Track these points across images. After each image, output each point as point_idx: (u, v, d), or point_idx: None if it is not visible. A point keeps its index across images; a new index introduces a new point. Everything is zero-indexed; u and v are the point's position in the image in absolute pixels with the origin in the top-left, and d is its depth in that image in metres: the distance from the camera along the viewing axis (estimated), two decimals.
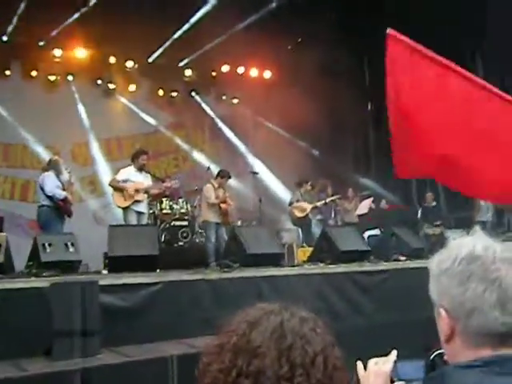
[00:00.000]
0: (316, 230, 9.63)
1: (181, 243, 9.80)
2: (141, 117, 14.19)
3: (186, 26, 12.46)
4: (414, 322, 6.68)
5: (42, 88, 12.97)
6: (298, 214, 9.85)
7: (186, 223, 10.20)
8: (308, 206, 9.89)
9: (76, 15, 11.64)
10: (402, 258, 7.29)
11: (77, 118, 13.24)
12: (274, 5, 12.34)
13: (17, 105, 12.33)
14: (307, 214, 9.83)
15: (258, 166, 13.92)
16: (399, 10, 11.77)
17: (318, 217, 10.42)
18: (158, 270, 5.65)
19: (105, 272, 6.09)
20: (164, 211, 10.10)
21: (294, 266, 6.37)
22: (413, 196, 13.29)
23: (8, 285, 4.70)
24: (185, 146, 14.73)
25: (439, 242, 9.30)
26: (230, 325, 1.25)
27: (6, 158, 12.83)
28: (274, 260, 6.25)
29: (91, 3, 11.43)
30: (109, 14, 11.25)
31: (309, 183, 10.22)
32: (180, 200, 10.55)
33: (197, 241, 10.15)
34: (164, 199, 9.95)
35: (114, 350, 4.02)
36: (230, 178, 9.10)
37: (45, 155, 12.51)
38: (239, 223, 11.04)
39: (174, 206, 10.31)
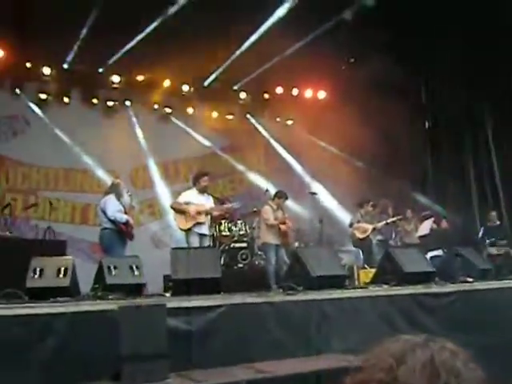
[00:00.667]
0: (376, 251, 9.45)
1: (240, 265, 9.77)
2: (197, 140, 14.34)
3: (240, 50, 12.53)
4: (485, 346, 6.44)
5: (101, 114, 13.28)
6: (360, 235, 9.69)
7: (245, 245, 10.17)
8: (369, 227, 9.72)
9: (133, 42, 11.86)
10: (469, 280, 7.04)
11: (135, 142, 13.49)
12: (326, 26, 12.27)
13: (77, 130, 12.62)
14: (368, 235, 9.67)
15: (314, 186, 13.84)
16: (455, 27, 11.56)
17: (379, 237, 10.20)
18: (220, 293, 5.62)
19: (167, 295, 6.07)
20: (223, 233, 10.10)
21: (357, 288, 6.21)
22: (474, 215, 12.91)
23: (74, 308, 4.71)
24: (240, 168, 14.76)
25: (505, 263, 8.97)
26: (369, 359, 1.10)
27: (67, 182, 13.11)
28: (338, 282, 6.12)
29: (147, 30, 11.62)
30: (164, 40, 11.42)
31: (370, 203, 10.06)
32: (239, 222, 10.55)
33: (256, 263, 10.10)
34: (223, 221, 9.97)
35: (182, 375, 3.97)
36: (287, 198, 9.04)
37: (104, 179, 12.80)
38: (296, 244, 10.95)
39: (233, 228, 10.31)
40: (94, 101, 13.04)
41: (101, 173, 13.01)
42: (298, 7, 11.21)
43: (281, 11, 11.60)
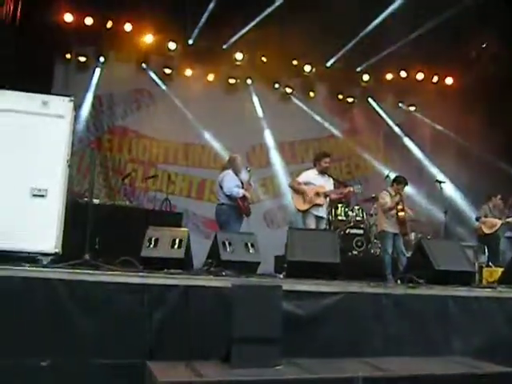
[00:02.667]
0: (504, 249, 8.78)
1: (355, 252, 9.42)
2: (316, 121, 14.12)
3: (366, 31, 12.04)
4: None
5: (222, 90, 13.32)
6: (486, 231, 9.04)
7: (361, 232, 9.80)
8: (498, 222, 9.04)
9: (258, 19, 11.72)
10: None
11: (253, 120, 13.46)
12: (455, 10, 11.47)
13: (198, 106, 12.75)
14: (496, 231, 8.99)
15: (436, 175, 13.20)
16: None
17: (508, 234, 9.45)
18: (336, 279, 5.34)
19: (280, 276, 5.86)
20: (339, 217, 9.79)
21: (485, 288, 5.71)
22: None
23: (187, 281, 4.62)
24: (358, 153, 14.32)
25: None
26: None
27: (186, 157, 13.32)
28: (464, 279, 5.64)
29: (273, 7, 11.41)
30: (289, 19, 11.19)
31: (498, 196, 9.34)
32: (356, 207, 10.20)
33: (371, 251, 9.73)
34: (339, 205, 9.66)
35: (294, 363, 3.74)
36: (406, 184, 8.55)
37: (221, 155, 12.89)
38: (412, 236, 10.44)
39: (350, 213, 9.98)
40: (215, 76, 13.11)
41: (218, 149, 13.10)
42: None
43: None
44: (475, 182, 11.41)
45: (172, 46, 12.37)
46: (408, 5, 10.99)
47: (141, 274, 4.61)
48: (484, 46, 13.19)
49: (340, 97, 14.29)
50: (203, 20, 11.57)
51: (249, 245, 5.25)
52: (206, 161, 13.46)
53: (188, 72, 12.91)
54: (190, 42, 12.45)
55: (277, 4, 11.18)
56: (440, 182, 8.98)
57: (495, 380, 3.78)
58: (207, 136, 13.11)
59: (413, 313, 5.13)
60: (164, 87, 12.89)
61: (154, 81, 12.85)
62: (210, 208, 12.99)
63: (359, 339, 4.89)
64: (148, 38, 12.08)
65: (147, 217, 8.72)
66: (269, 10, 11.17)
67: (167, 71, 12.77)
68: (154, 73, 12.81)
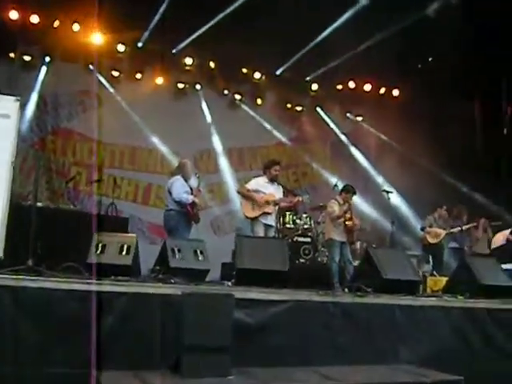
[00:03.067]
0: (447, 259, 8.98)
1: (302, 260, 9.45)
2: (264, 129, 14.12)
3: (316, 41, 12.15)
4: None
5: (171, 95, 13.19)
6: (431, 240, 9.22)
7: (308, 240, 9.84)
8: (442, 232, 9.23)
9: (209, 24, 11.66)
10: None
11: (202, 125, 13.35)
12: (404, 23, 11.71)
13: (145, 110, 12.56)
14: (441, 241, 9.19)
15: (382, 185, 13.44)
16: None
17: (453, 244, 9.67)
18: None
19: (228, 283, 5.79)
20: (287, 225, 9.80)
21: (431, 297, 5.81)
22: None
23: (135, 288, 4.51)
24: (306, 161, 14.43)
25: None
26: None
27: (132, 161, 13.10)
28: (411, 288, 5.73)
29: (223, 14, 11.38)
30: (239, 26, 11.18)
31: (444, 208, 9.55)
32: (304, 215, 10.23)
33: (319, 259, 9.77)
34: (287, 213, 9.66)
35: (245, 372, 3.69)
36: (355, 193, 8.63)
37: (169, 160, 12.77)
38: (358, 244, 10.56)
39: (298, 221, 10.00)
40: (164, 80, 12.94)
41: (165, 153, 12.96)
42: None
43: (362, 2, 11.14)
44: (420, 192, 11.65)
45: (121, 48, 12.16)
46: (358, 17, 11.15)
47: (87, 280, 4.47)
48: (430, 59, 13.51)
49: (289, 105, 14.37)
50: (153, 23, 11.42)
51: (198, 252, 5.18)
52: (152, 165, 13.27)
53: (136, 75, 12.69)
54: (140, 44, 12.27)
55: (229, 10, 11.13)
56: (387, 192, 9.10)
57: None
58: (154, 140, 12.93)
59: (360, 321, 5.16)
60: (111, 90, 12.64)
61: (101, 83, 12.56)
62: (155, 213, 12.87)
63: (308, 348, 4.88)
64: (96, 39, 11.81)
65: (92, 222, 8.48)
66: (220, 15, 11.08)
67: (115, 74, 12.53)
68: (102, 75, 12.53)
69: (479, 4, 11.10)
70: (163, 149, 12.95)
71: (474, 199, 12.56)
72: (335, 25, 11.72)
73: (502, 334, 5.83)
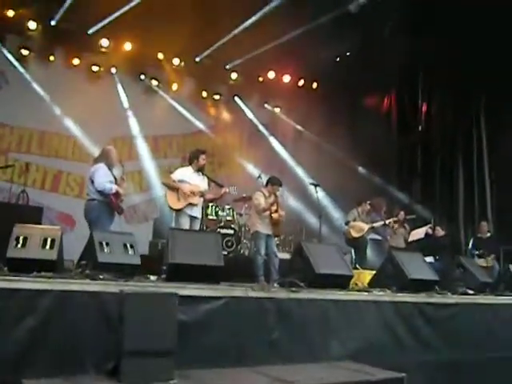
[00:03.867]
0: (368, 252, 9.13)
1: (225, 252, 9.24)
2: (181, 116, 13.83)
3: (237, 30, 11.95)
4: (484, 362, 6.17)
5: (85, 77, 12.63)
6: (355, 234, 9.28)
7: (231, 232, 9.67)
8: (365, 226, 9.33)
9: (128, 6, 11.15)
10: (470, 292, 6.71)
11: (118, 111, 12.86)
12: (326, 17, 11.76)
13: (57, 92, 11.95)
14: (363, 235, 9.28)
15: (301, 176, 13.54)
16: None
17: (374, 237, 9.80)
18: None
19: (152, 278, 5.50)
20: (209, 217, 9.58)
21: (362, 291, 5.80)
22: (459, 224, 12.68)
23: (60, 286, 4.16)
24: (223, 151, 14.23)
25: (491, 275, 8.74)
26: None
27: (41, 145, 12.42)
28: (343, 282, 5.69)
29: None
30: (160, 9, 10.79)
31: (368, 202, 9.65)
32: (226, 207, 10.05)
33: (241, 252, 9.63)
34: (210, 204, 9.44)
35: (186, 376, 3.47)
36: (281, 185, 8.51)
37: (82, 146, 12.22)
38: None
39: (220, 213, 9.81)
40: (77, 62, 12.36)
41: (78, 139, 12.39)
42: None
43: None
44: (340, 185, 11.75)
45: (32, 25, 11.43)
46: (280, 9, 11.05)
47: (7, 277, 4.08)
48: (348, 54, 13.67)
49: (207, 93, 14.13)
50: (69, 1, 10.77)
51: (128, 246, 4.87)
52: (63, 151, 12.67)
53: (48, 55, 11.99)
54: (53, 22, 11.56)
55: None
56: (315, 186, 9.06)
57: None
58: (66, 125, 12.32)
59: (295, 317, 5.06)
60: (21, 69, 11.86)
61: (9, 61, 11.77)
62: (65, 202, 12.35)
63: (243, 345, 4.72)
64: (4, 14, 11.00)
65: (5, 212, 7.91)
66: None
67: (25, 52, 11.78)
68: (10, 53, 11.75)
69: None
70: (76, 134, 12.34)
71: (388, 192, 12.87)
72: (258, 15, 11.54)
73: (426, 326, 5.95)
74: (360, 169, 13.28)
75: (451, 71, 11.91)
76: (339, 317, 5.33)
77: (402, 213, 10.54)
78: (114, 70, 12.90)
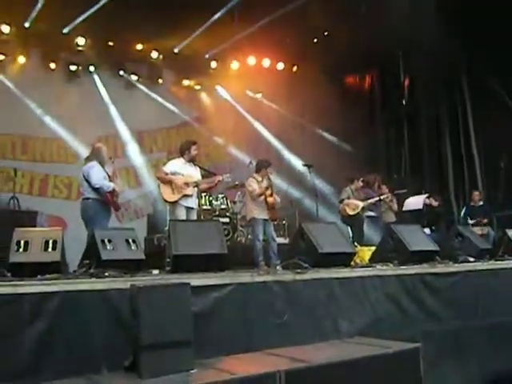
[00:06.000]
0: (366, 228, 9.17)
1: None
2: (164, 109, 13.76)
3: (214, 18, 11.85)
4: (485, 327, 6.23)
5: (64, 78, 12.51)
6: (350, 212, 9.29)
7: (227, 220, 9.63)
8: (360, 204, 9.34)
9: (102, 2, 11.01)
10: (471, 259, 6.76)
11: (99, 109, 12.72)
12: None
13: (37, 95, 11.85)
14: (359, 212, 9.29)
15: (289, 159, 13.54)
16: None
17: (369, 213, 9.81)
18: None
19: (155, 272, 5.48)
20: (203, 207, 9.53)
21: (366, 267, 5.82)
22: (450, 193, 12.74)
23: (67, 286, 4.11)
24: (209, 141, 14.15)
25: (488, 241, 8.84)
26: None
27: (26, 150, 12.28)
28: (346, 260, 5.71)
29: None
30: (134, 3, 10.67)
31: (360, 179, 9.66)
32: (220, 195, 10.01)
33: (238, 239, 9.61)
34: (203, 194, 9.39)
35: (206, 364, 3.46)
36: (270, 164, 8.48)
37: (66, 148, 12.14)
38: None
39: (214, 202, 9.77)
40: (57, 63, 12.23)
41: (63, 141, 12.29)
42: None
43: None
44: (329, 165, 11.74)
45: (5, 29, 11.27)
46: None
47: (11, 282, 4.03)
48: (326, 33, 13.62)
49: (188, 84, 14.05)
50: (41, 1, 10.60)
51: (130, 241, 4.83)
52: (48, 154, 12.56)
53: (25, 58, 11.85)
54: (27, 24, 11.38)
55: None
56: (308, 167, 9.03)
57: (403, 356, 3.82)
58: (50, 128, 12.19)
59: (302, 298, 5.07)
60: None
61: None
62: (55, 205, 12.25)
63: (254, 330, 4.72)
64: None
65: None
66: None
67: (0, 57, 11.60)
68: None
69: None
70: (60, 136, 12.21)
71: (378, 168, 12.89)
72: (233, 1, 11.45)
73: (430, 296, 5.99)
74: (347, 147, 13.27)
75: (431, 45, 11.92)
76: (346, 294, 5.34)
77: (385, 187, 10.52)
78: (92, 68, 12.78)
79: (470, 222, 10.39)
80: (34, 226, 8.01)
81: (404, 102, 13.71)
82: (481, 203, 10.90)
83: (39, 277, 4.26)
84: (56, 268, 4.45)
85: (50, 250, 4.53)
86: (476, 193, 10.99)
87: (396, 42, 12.91)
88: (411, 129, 13.65)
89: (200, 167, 7.79)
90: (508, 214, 10.94)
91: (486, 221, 10.42)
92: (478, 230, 9.96)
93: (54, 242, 4.57)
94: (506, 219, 11.01)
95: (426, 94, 13.13)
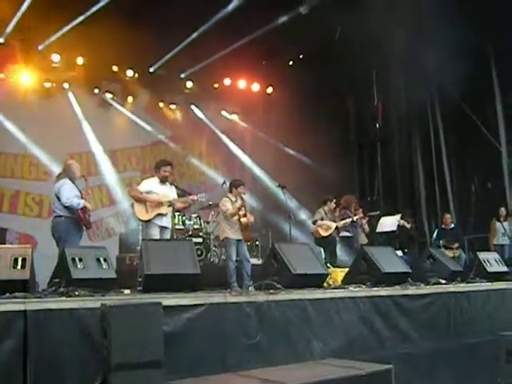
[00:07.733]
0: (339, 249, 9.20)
1: None
2: (138, 128, 13.73)
3: (190, 38, 11.88)
4: (454, 348, 6.28)
5: (38, 94, 12.36)
6: (323, 233, 9.30)
7: (200, 240, 9.59)
8: (333, 225, 9.37)
9: (78, 20, 10.97)
10: (443, 281, 6.83)
11: (72, 127, 12.62)
12: (278, 21, 11.78)
13: (10, 111, 11.73)
14: (331, 233, 9.32)
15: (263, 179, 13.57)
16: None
17: (344, 234, 9.82)
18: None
19: (126, 291, 5.40)
20: (177, 226, 9.46)
21: (338, 288, 5.82)
22: (422, 216, 12.89)
23: (35, 305, 4.02)
24: (182, 161, 14.13)
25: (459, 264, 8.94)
26: None
27: None
28: (319, 281, 5.70)
29: (93, 9, 10.77)
30: (111, 21, 10.64)
31: (333, 201, 9.69)
32: (193, 215, 9.96)
33: (211, 260, 9.55)
34: (176, 214, 9.33)
35: None
36: (242, 184, 8.48)
37: (37, 165, 12.00)
38: None
39: (187, 222, 9.72)
40: (29, 78, 12.07)
41: (34, 158, 12.13)
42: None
43: (235, 2, 11.03)
44: (302, 186, 11.79)
45: None
46: (232, 15, 11.04)
47: None
48: (301, 57, 13.77)
49: (163, 103, 14.06)
50: (17, 18, 10.53)
51: (101, 260, 4.76)
52: (19, 171, 12.38)
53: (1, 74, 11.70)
54: (1, 40, 11.28)
55: (99, 5, 10.54)
56: (282, 187, 9.06)
57: (375, 377, 3.81)
58: (21, 143, 12.04)
59: (275, 320, 5.04)
60: None
61: None
62: (25, 223, 12.07)
63: (227, 351, 4.68)
64: None
65: None
66: (93, 9, 10.47)
67: None
68: None
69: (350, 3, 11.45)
70: (33, 153, 12.10)
71: (352, 190, 12.99)
72: (209, 23, 11.49)
73: (402, 317, 6.02)
74: (321, 169, 13.33)
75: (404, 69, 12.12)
76: (319, 315, 5.34)
77: (360, 210, 10.53)
78: (66, 85, 12.69)
79: (442, 244, 10.48)
80: (4, 244, 7.87)
81: (378, 126, 13.86)
82: (452, 226, 11.02)
83: (7, 295, 4.17)
84: (25, 286, 4.36)
85: (18, 267, 4.44)
86: (447, 216, 11.11)
87: (370, 67, 13.13)
88: (384, 152, 13.79)
89: (176, 186, 7.75)
90: (479, 237, 11.10)
91: (456, 245, 10.51)
92: (449, 252, 10.06)
93: (23, 260, 4.48)
94: (477, 242, 11.18)
95: (399, 118, 13.32)
